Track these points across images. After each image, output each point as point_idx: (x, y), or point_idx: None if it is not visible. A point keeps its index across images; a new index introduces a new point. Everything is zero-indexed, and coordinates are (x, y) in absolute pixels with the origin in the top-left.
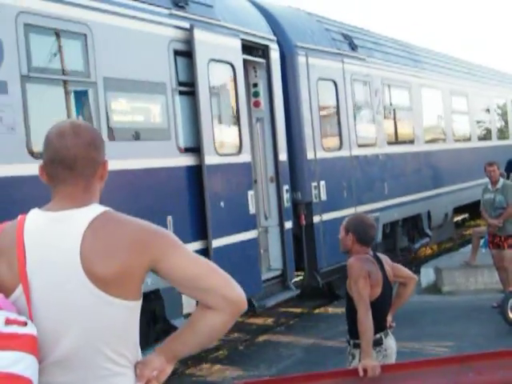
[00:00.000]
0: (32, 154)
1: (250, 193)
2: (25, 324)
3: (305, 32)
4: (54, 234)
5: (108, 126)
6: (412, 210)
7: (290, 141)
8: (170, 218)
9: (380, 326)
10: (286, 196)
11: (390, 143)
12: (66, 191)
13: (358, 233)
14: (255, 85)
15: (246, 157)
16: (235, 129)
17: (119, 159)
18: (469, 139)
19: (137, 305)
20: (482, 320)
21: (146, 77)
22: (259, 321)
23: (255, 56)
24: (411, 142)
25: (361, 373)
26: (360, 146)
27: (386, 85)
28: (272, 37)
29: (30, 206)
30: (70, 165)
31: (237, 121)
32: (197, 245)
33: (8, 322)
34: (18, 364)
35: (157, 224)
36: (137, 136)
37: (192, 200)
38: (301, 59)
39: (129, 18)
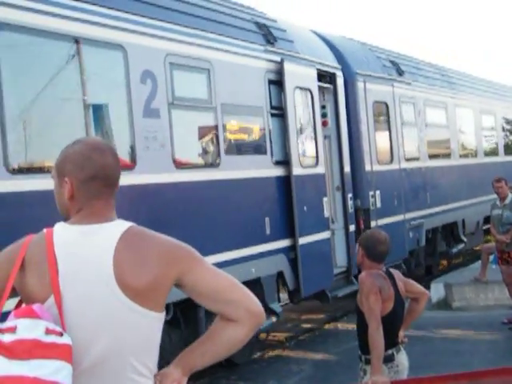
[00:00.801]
0: (175, 164)
1: (325, 199)
2: (61, 334)
3: (362, 60)
4: (86, 246)
5: (224, 142)
6: (450, 218)
7: (352, 155)
8: (267, 219)
9: (392, 341)
10: (350, 203)
11: (430, 157)
12: (98, 207)
13: (367, 248)
14: (323, 107)
15: (321, 168)
16: (313, 145)
17: (232, 170)
18: (496, 154)
19: (162, 316)
20: (493, 336)
21: (248, 102)
22: (269, 336)
23: (324, 82)
24: (448, 156)
25: None
26: (407, 159)
27: (427, 105)
28: (337, 65)
29: (173, 204)
30: (112, 182)
31: (314, 138)
32: (286, 242)
33: (48, 331)
34: (59, 372)
35: (258, 224)
36: (243, 151)
37: (282, 204)
38: (360, 84)
39: (237, 55)
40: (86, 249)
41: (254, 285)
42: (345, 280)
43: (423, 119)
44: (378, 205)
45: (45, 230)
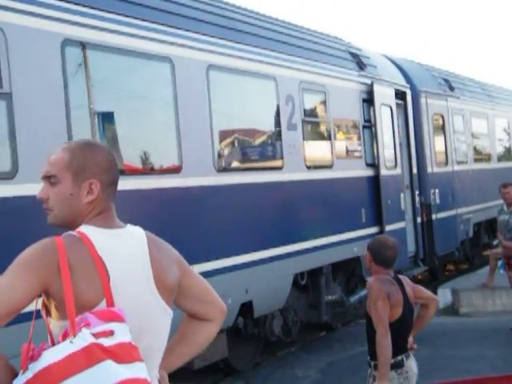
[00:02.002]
0: (306, 166)
1: (401, 195)
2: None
3: (422, 79)
4: (124, 249)
5: (335, 149)
6: (490, 214)
7: (417, 159)
8: (363, 210)
9: (401, 347)
10: (417, 199)
11: (475, 161)
12: (113, 210)
13: (374, 253)
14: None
15: (399, 170)
16: (392, 150)
17: (340, 170)
18: None
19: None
20: (500, 342)
21: (349, 117)
22: (275, 341)
23: (397, 99)
24: (489, 160)
25: None
26: (458, 163)
27: (472, 116)
28: (406, 85)
29: (306, 196)
30: (117, 186)
31: (393, 145)
32: (376, 228)
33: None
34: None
35: (358, 213)
36: (346, 155)
37: (372, 198)
38: (422, 100)
39: (341, 80)
40: (125, 252)
41: (355, 261)
42: (413, 263)
43: (469, 128)
44: (437, 201)
45: (74, 233)
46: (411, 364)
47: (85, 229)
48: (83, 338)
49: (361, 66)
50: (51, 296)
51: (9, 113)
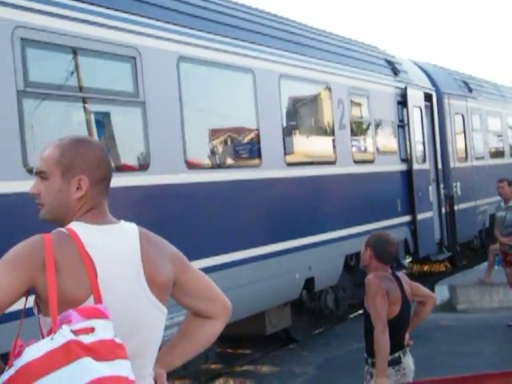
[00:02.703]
0: (354, 161)
1: (430, 187)
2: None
3: (445, 82)
4: (114, 246)
5: (376, 145)
6: None
7: (441, 155)
8: (398, 200)
9: (398, 344)
10: (442, 191)
11: (491, 156)
12: (105, 206)
13: (375, 248)
14: None
15: (427, 165)
16: (422, 147)
17: (380, 165)
18: None
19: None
20: (497, 338)
21: (387, 117)
22: (272, 338)
23: (424, 101)
24: (502, 155)
25: None
26: (476, 158)
27: (488, 115)
28: (432, 87)
29: (370, 186)
30: (110, 182)
31: (423, 142)
32: (408, 217)
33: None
34: (131, 371)
35: (394, 203)
36: (385, 152)
37: (405, 190)
38: (445, 101)
39: (381, 85)
40: (115, 248)
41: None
42: (438, 249)
43: (486, 126)
44: (459, 193)
45: (63, 230)
46: (408, 360)
47: (74, 225)
48: (63, 335)
49: (395, 71)
50: (39, 293)
51: (143, 117)
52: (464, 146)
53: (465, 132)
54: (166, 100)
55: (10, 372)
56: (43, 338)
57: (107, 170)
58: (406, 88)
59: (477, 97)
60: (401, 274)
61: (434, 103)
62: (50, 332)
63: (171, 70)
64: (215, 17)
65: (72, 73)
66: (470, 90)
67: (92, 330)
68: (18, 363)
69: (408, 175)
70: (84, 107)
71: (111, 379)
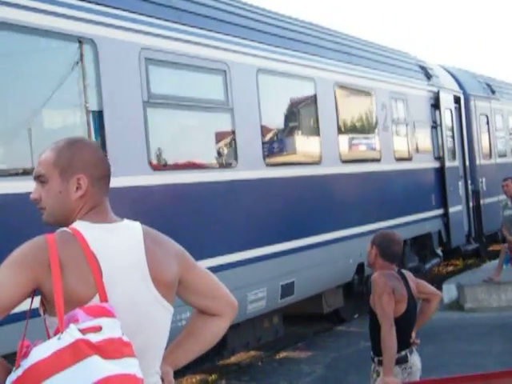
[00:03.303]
0: (395, 159)
1: (460, 183)
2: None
3: (470, 85)
4: (118, 244)
5: (414, 144)
6: None
7: (468, 153)
8: (433, 196)
9: (405, 343)
10: (469, 187)
11: None
12: (107, 204)
13: (381, 247)
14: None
15: (457, 162)
16: (452, 146)
17: (418, 162)
18: None
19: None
20: (505, 337)
21: (422, 119)
22: (279, 337)
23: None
24: None
25: None
26: (499, 156)
27: (509, 115)
28: (459, 90)
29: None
30: (110, 180)
31: (453, 141)
32: (441, 210)
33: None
34: (139, 369)
35: (429, 197)
36: (420, 151)
37: (438, 185)
38: (472, 103)
39: (417, 89)
40: (119, 247)
41: (427, 236)
42: (466, 240)
43: (507, 125)
44: (484, 188)
45: (67, 230)
46: (415, 359)
47: (78, 224)
48: (70, 334)
49: (428, 76)
50: (44, 293)
51: (232, 121)
52: (488, 145)
53: (489, 131)
54: (248, 106)
55: (17, 372)
56: (49, 338)
57: (105, 167)
58: (438, 92)
59: (499, 98)
60: (406, 272)
61: (462, 105)
62: (57, 332)
63: (252, 80)
64: (291, 35)
65: (182, 85)
66: (493, 92)
67: (99, 328)
68: (26, 363)
69: (440, 172)
70: (191, 113)
71: (120, 377)
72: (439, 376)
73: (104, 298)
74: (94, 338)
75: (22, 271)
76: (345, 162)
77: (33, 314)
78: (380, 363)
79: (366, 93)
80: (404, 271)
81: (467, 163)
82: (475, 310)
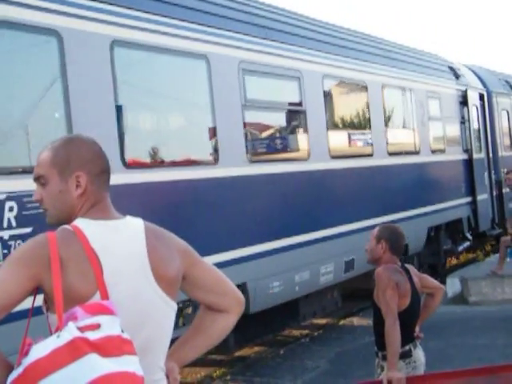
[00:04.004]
0: (431, 151)
1: (485, 173)
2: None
3: (492, 82)
4: (119, 241)
5: (446, 139)
6: None
7: (492, 145)
8: (463, 185)
9: (409, 337)
10: (493, 177)
11: None
12: (108, 201)
13: (391, 241)
14: None
15: (482, 154)
16: (478, 139)
17: (449, 155)
18: None
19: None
20: (510, 330)
21: (452, 115)
22: (284, 332)
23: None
24: None
25: None
26: None
27: None
28: (483, 88)
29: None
30: (109, 175)
31: (478, 134)
32: (469, 198)
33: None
34: (140, 367)
35: (459, 186)
36: (451, 143)
37: (467, 175)
38: (494, 99)
39: (448, 88)
40: (121, 244)
41: (458, 222)
42: (490, 226)
43: None
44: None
45: (68, 227)
46: (419, 353)
47: (79, 222)
48: (69, 332)
49: (456, 76)
50: (45, 291)
51: (304, 121)
52: (509, 137)
53: (509, 125)
54: (317, 108)
55: (18, 370)
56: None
57: (103, 163)
58: (466, 90)
59: None
60: (409, 266)
61: (485, 101)
62: (57, 329)
63: (319, 85)
64: (352, 45)
65: (268, 91)
66: None
67: (98, 326)
68: (26, 362)
69: (469, 163)
70: (277, 115)
71: (118, 375)
72: (444, 370)
73: (105, 296)
74: (92, 335)
75: (23, 269)
76: (391, 154)
77: (39, 311)
78: (384, 358)
79: (407, 92)
80: (407, 265)
81: (490, 155)
82: (479, 304)
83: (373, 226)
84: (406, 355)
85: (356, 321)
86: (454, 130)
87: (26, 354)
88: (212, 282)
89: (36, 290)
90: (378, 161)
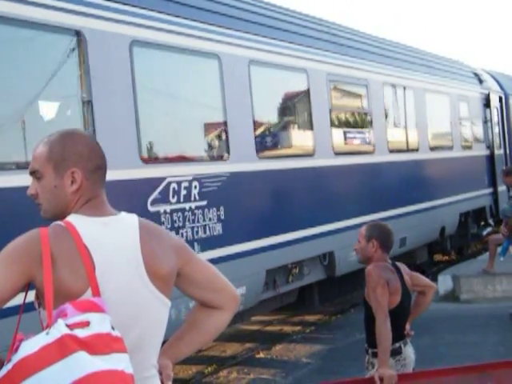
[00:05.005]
0: (462, 147)
1: (504, 167)
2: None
3: (508, 85)
4: (112, 238)
5: (473, 137)
6: None
7: (509, 142)
8: (485, 176)
9: (399, 334)
10: None
11: None
12: (103, 197)
13: (381, 239)
14: None
15: (502, 150)
16: (498, 137)
17: (475, 150)
18: None
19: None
20: (501, 328)
21: (478, 116)
22: (276, 329)
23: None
24: None
25: (377, 382)
26: None
27: None
28: (501, 91)
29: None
30: (105, 172)
31: (499, 133)
32: (490, 189)
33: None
34: (130, 365)
35: (482, 178)
36: (477, 141)
37: (489, 169)
38: (510, 101)
39: (473, 92)
40: (114, 240)
41: (481, 210)
42: None
43: None
44: None
45: (60, 223)
46: (409, 351)
47: (72, 218)
48: (58, 329)
49: (480, 81)
50: (37, 287)
51: (370, 122)
52: None
53: None
54: (382, 112)
55: (8, 367)
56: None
57: (99, 159)
58: (489, 93)
59: None
60: (400, 264)
61: (503, 103)
62: (47, 326)
63: (380, 91)
64: (389, 54)
65: (346, 98)
66: None
67: (87, 323)
68: (15, 358)
69: (491, 158)
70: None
71: (106, 373)
72: (435, 367)
73: (96, 292)
74: (81, 333)
75: (15, 266)
76: (432, 149)
77: (27, 307)
78: (374, 355)
79: (445, 96)
80: (398, 263)
81: (507, 151)
82: (471, 301)
83: (417, 211)
84: (396, 353)
85: (348, 318)
86: (479, 129)
87: (16, 350)
88: (207, 279)
89: (28, 286)
90: (424, 155)
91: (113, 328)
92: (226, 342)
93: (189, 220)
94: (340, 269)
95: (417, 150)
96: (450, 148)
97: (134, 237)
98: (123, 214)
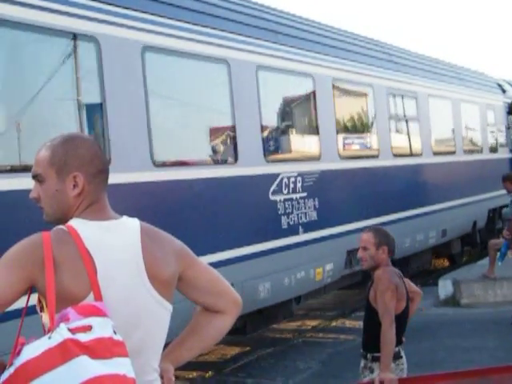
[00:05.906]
0: (489, 150)
1: None
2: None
3: None
4: (114, 242)
5: (498, 141)
6: None
7: None
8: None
9: (399, 339)
10: None
11: None
12: (105, 201)
13: (389, 245)
14: None
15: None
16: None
17: (500, 154)
18: None
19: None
20: (502, 333)
21: (502, 122)
22: (276, 333)
23: None
24: None
25: None
26: None
27: None
28: None
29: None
30: (108, 176)
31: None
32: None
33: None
34: (132, 369)
35: (497, 181)
36: (499, 145)
37: (506, 170)
38: None
39: (496, 101)
40: (115, 245)
41: (494, 211)
42: None
43: None
44: None
45: (62, 227)
46: (404, 356)
47: (74, 222)
48: (60, 334)
49: (503, 90)
50: (39, 291)
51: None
52: None
53: None
54: (427, 120)
55: (10, 370)
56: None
57: (101, 163)
58: (511, 102)
59: None
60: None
61: None
62: (49, 330)
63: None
64: (440, 71)
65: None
66: None
67: (89, 328)
68: (18, 362)
69: (510, 161)
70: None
71: (107, 378)
72: (435, 372)
73: (98, 297)
74: (83, 337)
75: (17, 270)
76: (465, 152)
77: (30, 311)
78: (374, 359)
79: (476, 106)
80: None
81: None
82: (471, 306)
83: (454, 207)
84: (396, 356)
85: (348, 322)
86: (502, 134)
87: (19, 353)
88: (208, 283)
89: (30, 290)
90: (459, 157)
91: (115, 332)
92: (226, 346)
93: (295, 208)
94: None
95: (454, 152)
96: (480, 151)
97: (135, 241)
98: (125, 217)
